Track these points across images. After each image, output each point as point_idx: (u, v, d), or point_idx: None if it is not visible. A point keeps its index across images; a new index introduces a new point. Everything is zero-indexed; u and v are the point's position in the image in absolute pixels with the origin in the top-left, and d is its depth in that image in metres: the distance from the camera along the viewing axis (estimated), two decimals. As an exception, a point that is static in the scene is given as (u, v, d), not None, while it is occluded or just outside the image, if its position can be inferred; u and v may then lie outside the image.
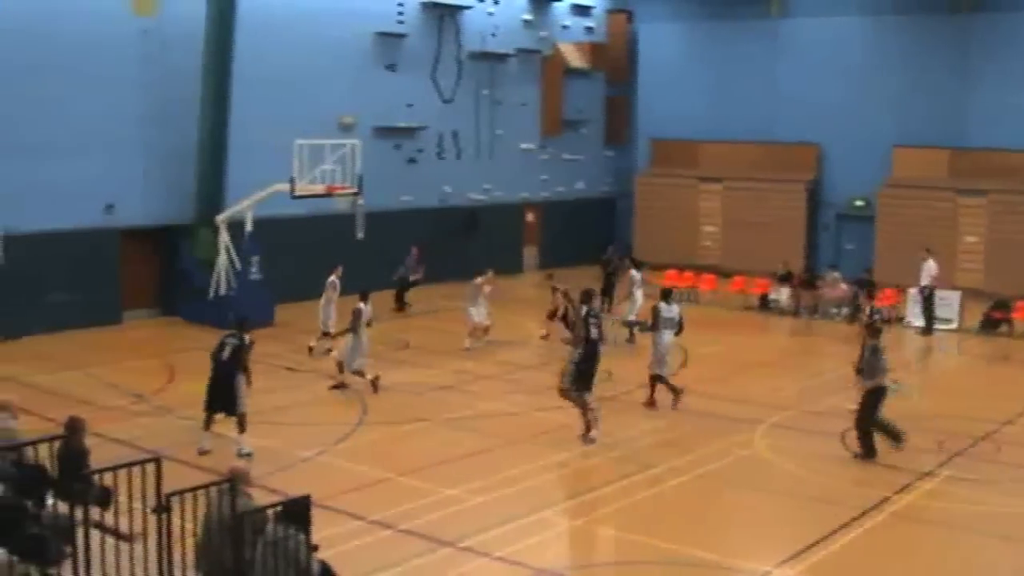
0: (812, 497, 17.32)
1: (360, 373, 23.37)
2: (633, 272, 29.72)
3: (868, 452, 19.10)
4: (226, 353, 18.77)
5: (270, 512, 10.31)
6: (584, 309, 20.20)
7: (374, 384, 23.12)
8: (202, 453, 18.53)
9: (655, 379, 22.41)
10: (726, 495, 17.65)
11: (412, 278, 33.64)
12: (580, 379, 19.81)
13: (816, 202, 41.64)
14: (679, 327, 22.90)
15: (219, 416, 18.94)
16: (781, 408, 22.53)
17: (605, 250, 36.30)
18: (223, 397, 18.73)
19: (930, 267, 31.28)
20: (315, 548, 10.41)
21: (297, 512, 10.23)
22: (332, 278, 26.99)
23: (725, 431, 20.70)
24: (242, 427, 18.78)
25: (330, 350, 25.86)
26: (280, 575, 10.02)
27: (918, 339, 31.14)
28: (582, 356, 19.83)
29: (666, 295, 23.31)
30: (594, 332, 19.96)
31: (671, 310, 22.86)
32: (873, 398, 19.15)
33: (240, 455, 18.30)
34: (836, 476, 18.17)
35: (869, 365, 19.16)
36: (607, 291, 33.27)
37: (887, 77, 39.36)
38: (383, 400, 22.47)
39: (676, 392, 22.24)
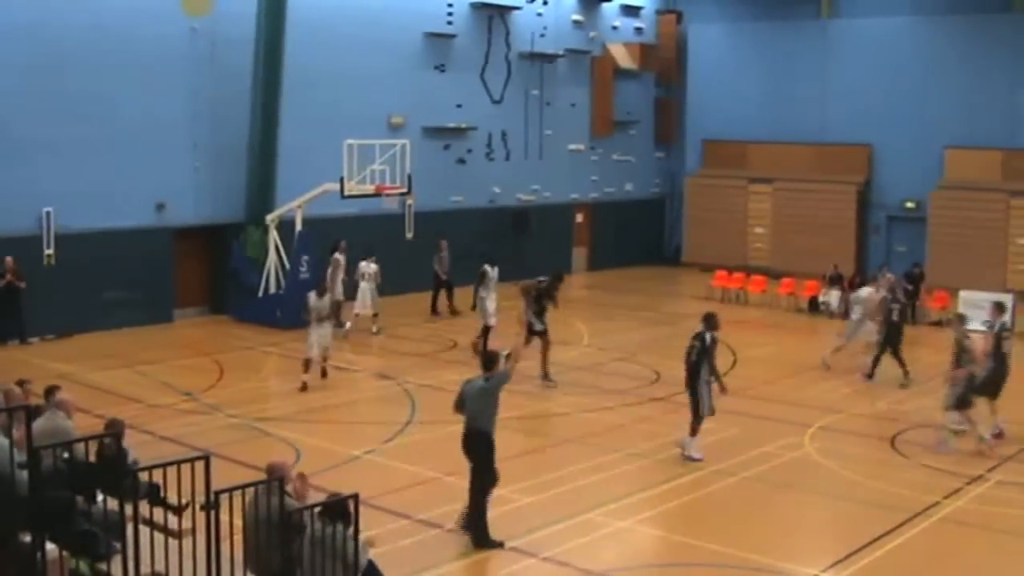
0: (861, 500, 17.19)
1: None
2: None
3: None
4: (693, 354, 18.74)
5: (316, 510, 10.35)
6: None
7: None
8: (690, 459, 18.77)
9: None
10: (775, 498, 17.54)
11: None
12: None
13: (867, 204, 41.33)
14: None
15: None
16: (831, 411, 22.35)
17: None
18: (691, 396, 18.86)
19: None
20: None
21: (343, 511, 10.27)
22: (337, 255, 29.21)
23: (774, 433, 20.57)
24: (694, 430, 18.87)
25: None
26: (327, 571, 10.06)
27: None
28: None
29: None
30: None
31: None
32: None
33: (683, 458, 18.78)
34: (886, 479, 18.01)
35: None
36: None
37: (939, 78, 38.97)
38: (433, 400, 22.46)
39: None
